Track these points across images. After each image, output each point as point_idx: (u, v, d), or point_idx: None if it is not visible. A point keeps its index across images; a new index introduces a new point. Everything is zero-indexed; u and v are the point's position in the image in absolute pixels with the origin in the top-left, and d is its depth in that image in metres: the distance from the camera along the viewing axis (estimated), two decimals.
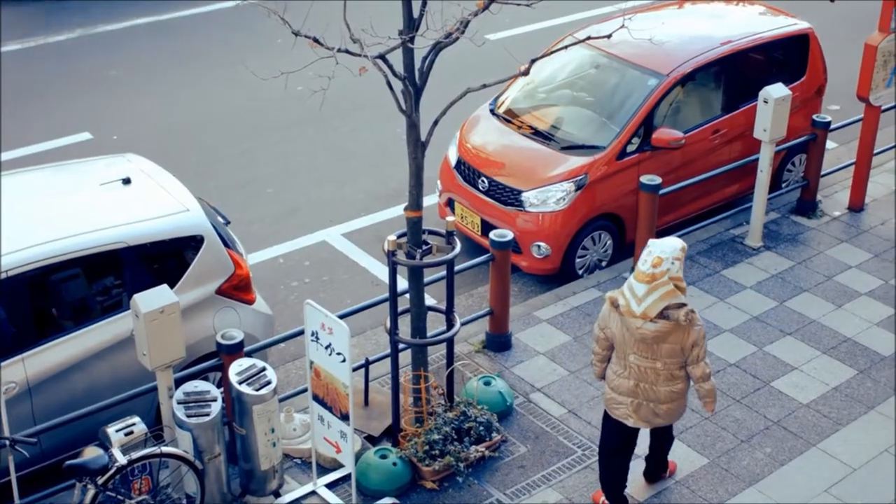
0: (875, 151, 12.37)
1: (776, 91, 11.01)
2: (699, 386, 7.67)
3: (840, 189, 12.65)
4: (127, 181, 8.95)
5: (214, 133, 14.27)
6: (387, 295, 8.47)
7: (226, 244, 9.03)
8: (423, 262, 8.04)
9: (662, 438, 8.32)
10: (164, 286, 7.84)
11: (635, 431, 8.01)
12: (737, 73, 11.99)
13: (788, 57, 12.61)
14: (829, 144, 12.70)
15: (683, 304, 7.45)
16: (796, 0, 16.68)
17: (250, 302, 9.22)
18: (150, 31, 17.47)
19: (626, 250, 11.29)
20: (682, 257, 7.54)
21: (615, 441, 8.02)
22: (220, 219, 9.39)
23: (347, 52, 7.13)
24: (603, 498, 8.28)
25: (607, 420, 7.99)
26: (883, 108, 12.07)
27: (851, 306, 10.64)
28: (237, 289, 9.06)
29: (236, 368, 7.90)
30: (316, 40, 7.14)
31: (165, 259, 8.72)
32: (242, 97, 15.01)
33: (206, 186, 11.44)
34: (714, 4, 13.37)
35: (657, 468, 8.56)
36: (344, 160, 13.68)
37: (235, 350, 8.11)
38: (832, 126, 12.10)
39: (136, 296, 7.62)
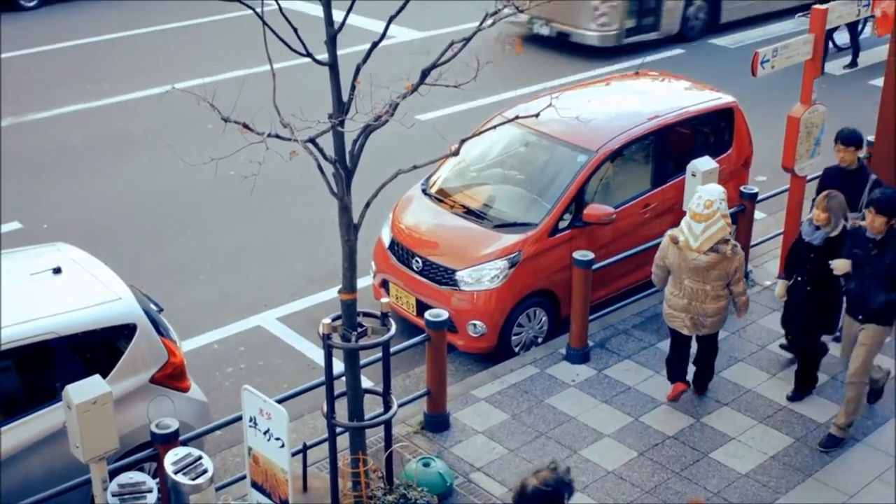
0: (801, 220, 12.53)
1: (703, 164, 11.16)
2: (737, 297, 9.91)
3: (769, 259, 12.81)
4: (57, 270, 8.87)
5: (146, 219, 14.20)
6: (323, 378, 8.42)
7: (159, 332, 8.95)
8: (358, 344, 8.00)
9: (709, 346, 10.29)
10: (97, 376, 7.72)
11: (689, 338, 10.14)
12: (665, 148, 12.16)
13: (714, 130, 12.82)
14: (758, 215, 12.86)
15: (728, 239, 9.61)
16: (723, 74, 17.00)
17: (185, 390, 9.12)
18: (81, 118, 17.43)
19: (561, 326, 11.32)
20: (725, 197, 9.64)
21: (675, 344, 10.24)
22: (152, 306, 9.31)
23: (278, 136, 7.14)
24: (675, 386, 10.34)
25: (670, 329, 10.26)
26: (808, 178, 12.26)
27: (785, 374, 10.71)
28: (171, 377, 8.96)
29: (172, 458, 7.76)
30: (245, 125, 7.14)
31: (97, 349, 8.62)
32: (174, 183, 14.97)
33: (138, 274, 11.35)
34: (640, 81, 13.58)
35: (704, 378, 10.50)
36: (277, 243, 13.65)
37: (170, 439, 7.99)
38: (759, 197, 12.29)
39: (67, 387, 7.50)
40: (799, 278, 10.06)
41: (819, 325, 10.14)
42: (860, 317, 9.45)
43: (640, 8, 21.22)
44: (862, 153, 11.19)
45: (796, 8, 22.37)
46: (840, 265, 9.43)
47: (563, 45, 21.02)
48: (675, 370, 10.36)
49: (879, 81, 13.33)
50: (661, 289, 10.29)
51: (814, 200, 10.08)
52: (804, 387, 10.41)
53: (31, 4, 24.22)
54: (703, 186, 9.99)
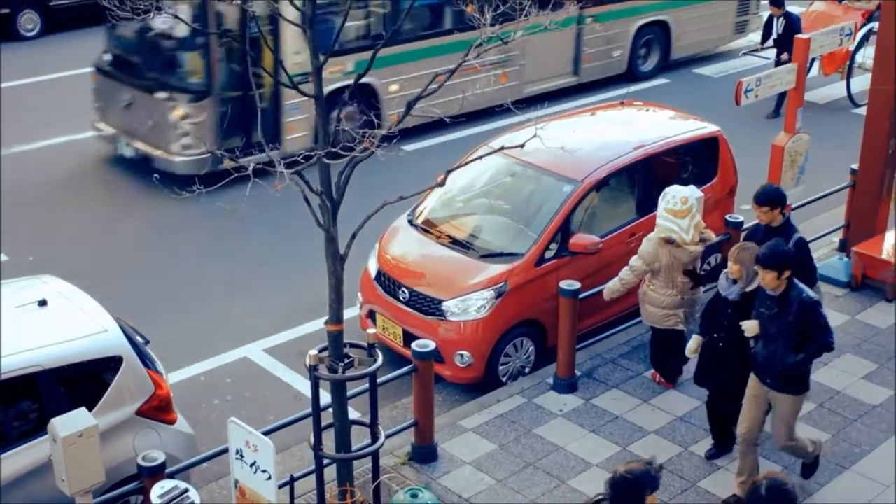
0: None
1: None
2: None
3: None
4: (43, 303, 8.86)
5: (132, 251, 14.17)
6: (310, 410, 8.40)
7: (145, 364, 8.93)
8: (345, 375, 7.99)
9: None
10: (83, 409, 7.70)
11: (682, 332, 10.60)
12: (650, 177, 12.19)
13: (700, 159, 12.86)
14: None
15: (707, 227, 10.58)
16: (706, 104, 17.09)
17: (171, 422, 9.09)
18: (67, 150, 17.40)
19: (548, 356, 11.31)
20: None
21: (672, 342, 10.67)
22: (138, 338, 9.29)
23: (264, 167, 7.15)
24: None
25: (656, 333, 10.81)
26: (793, 206, 12.30)
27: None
28: (157, 409, 8.94)
29: (158, 491, 7.72)
30: (232, 158, 7.16)
31: (83, 381, 8.60)
32: (160, 214, 14.94)
33: (124, 306, 11.30)
34: (625, 110, 13.64)
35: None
36: (263, 275, 13.64)
37: (157, 472, 7.95)
38: (745, 225, 12.29)
39: (53, 420, 7.48)
40: (716, 335, 9.54)
41: (740, 383, 9.30)
42: (768, 380, 8.90)
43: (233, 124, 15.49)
44: (780, 212, 10.17)
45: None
46: (750, 327, 8.94)
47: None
48: (673, 368, 11.03)
49: (863, 110, 13.40)
50: (612, 296, 10.88)
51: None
52: (722, 446, 9.98)
53: (32, 34, 24.30)
54: (670, 188, 10.56)
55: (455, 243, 11.51)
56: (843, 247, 13.55)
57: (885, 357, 11.46)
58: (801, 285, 8.69)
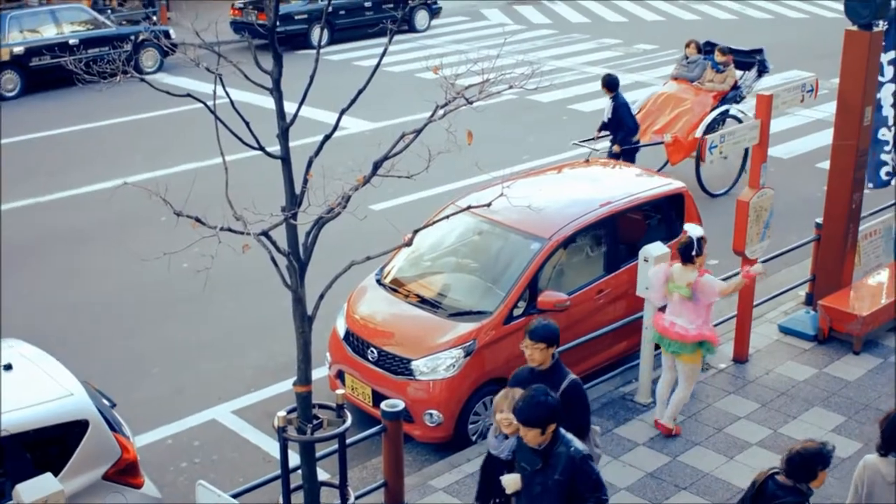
0: (755, 303, 12.67)
1: (655, 249, 11.25)
2: None
3: (724, 342, 12.85)
4: (8, 367, 8.77)
5: (99, 313, 14.11)
6: (279, 472, 8.34)
7: (112, 427, 8.84)
8: (313, 436, 7.94)
9: None
10: (48, 474, 7.61)
11: None
12: (617, 234, 12.25)
13: (666, 216, 12.94)
14: None
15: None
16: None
17: (138, 486, 8.98)
18: (32, 212, 17.36)
19: None
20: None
21: None
22: (105, 402, 9.21)
23: (230, 230, 7.15)
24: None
25: None
26: (759, 260, 12.37)
27: (742, 457, 10.73)
28: (124, 473, 8.83)
29: None
30: (198, 220, 7.15)
31: (49, 446, 8.49)
32: (127, 276, 14.90)
33: (90, 369, 11.23)
34: (592, 168, 13.73)
35: None
36: (231, 336, 13.59)
37: None
38: None
39: (18, 486, 7.38)
40: (494, 501, 8.28)
41: None
42: None
43: None
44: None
45: None
46: (510, 482, 7.64)
47: None
48: None
49: (826, 164, 13.53)
50: None
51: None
52: None
53: (12, 94, 24.43)
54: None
55: (423, 302, 11.51)
56: (810, 300, 13.63)
57: (853, 410, 11.50)
58: (569, 436, 7.43)
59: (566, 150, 19.18)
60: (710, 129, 18.21)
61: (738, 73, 19.80)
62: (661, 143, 18.26)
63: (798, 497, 7.19)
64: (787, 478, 7.23)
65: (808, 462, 7.17)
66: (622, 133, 17.06)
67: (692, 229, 10.90)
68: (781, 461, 7.27)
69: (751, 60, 19.95)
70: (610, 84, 17.18)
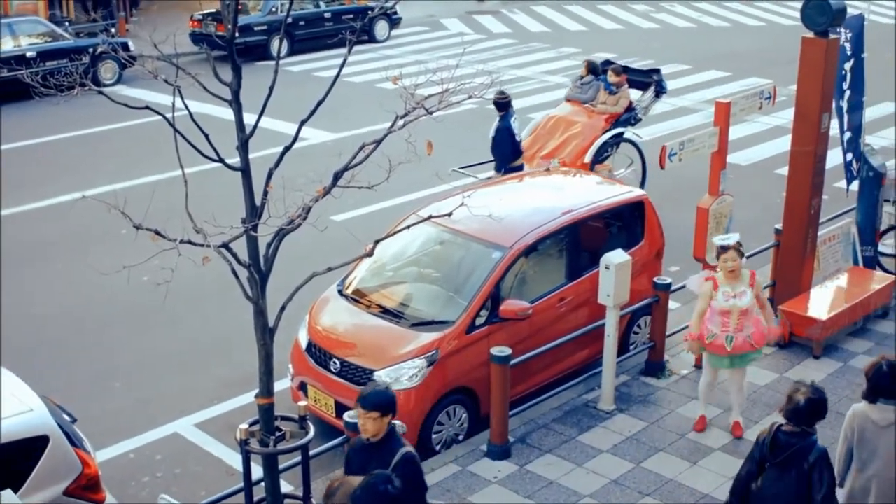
0: None
1: (616, 257, 11.29)
2: None
3: (686, 348, 12.92)
4: None
5: (58, 328, 14.01)
6: (242, 485, 8.31)
7: (72, 443, 8.78)
8: (276, 448, 7.93)
9: None
10: (8, 491, 7.57)
11: None
12: (578, 242, 12.28)
13: (626, 223, 12.99)
14: (672, 305, 13.02)
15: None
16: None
17: (100, 501, 8.92)
18: None
19: (482, 423, 11.29)
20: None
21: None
22: (66, 417, 9.15)
23: (190, 242, 7.12)
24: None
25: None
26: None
27: (705, 462, 10.77)
28: (86, 488, 8.77)
29: None
30: (157, 232, 7.12)
31: (9, 462, 8.41)
32: (87, 290, 14.81)
33: (50, 384, 11.17)
34: (552, 176, 13.76)
35: None
36: (192, 349, 13.52)
37: None
38: (673, 287, 12.44)
39: None
40: None
41: None
42: None
43: None
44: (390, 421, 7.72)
45: None
46: None
47: None
48: None
49: (784, 170, 13.64)
50: None
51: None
52: None
53: None
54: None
55: (385, 312, 11.49)
56: (771, 305, 13.71)
57: None
58: None
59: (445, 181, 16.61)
60: (601, 153, 17.89)
61: (636, 93, 19.19)
62: (548, 168, 16.14)
63: (813, 438, 7.72)
64: (795, 426, 7.70)
65: (817, 408, 7.71)
66: (498, 158, 16.52)
67: (719, 239, 10.96)
68: (785, 413, 7.72)
69: (647, 81, 19.29)
70: (497, 104, 16.54)
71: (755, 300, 10.70)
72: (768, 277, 13.96)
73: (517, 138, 16.80)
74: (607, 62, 19.56)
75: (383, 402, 7.40)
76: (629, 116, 18.68)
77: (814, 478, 7.60)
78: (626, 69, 19.06)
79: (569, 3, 41.25)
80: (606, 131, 18.20)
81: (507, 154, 16.51)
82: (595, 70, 19.25)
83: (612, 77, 18.62)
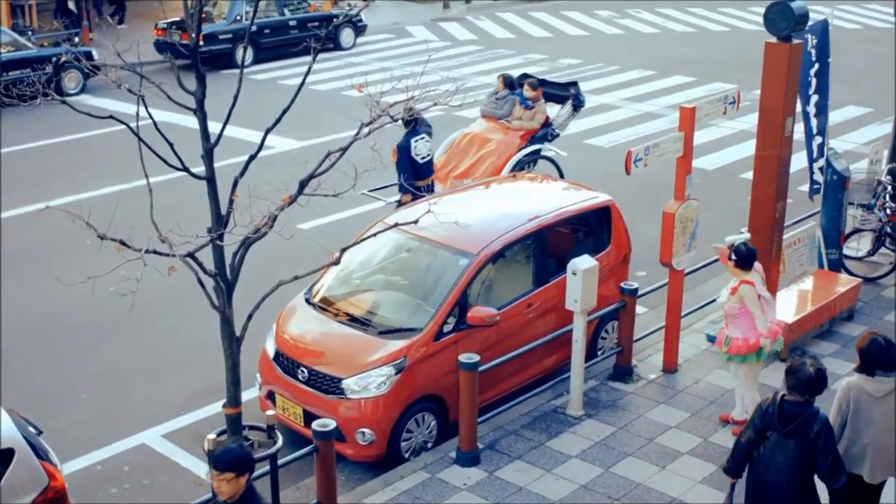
0: (683, 313, 12.78)
1: (583, 262, 11.31)
2: None
3: (653, 352, 12.97)
4: None
5: (24, 339, 13.89)
6: (210, 495, 8.25)
7: (38, 455, 8.72)
8: None
9: None
10: None
11: None
12: (545, 248, 12.29)
13: (593, 228, 13.02)
14: (639, 309, 13.05)
15: None
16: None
17: None
18: None
19: (451, 430, 11.28)
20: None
21: None
22: (31, 429, 9.08)
23: (155, 252, 7.09)
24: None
25: None
26: (686, 271, 12.50)
27: (674, 466, 10.80)
28: (53, 501, 8.72)
29: None
30: (122, 242, 7.09)
31: None
32: (52, 301, 14.70)
33: (15, 396, 11.09)
34: (519, 182, 13.78)
35: None
36: (160, 359, 13.44)
37: None
38: (640, 292, 12.47)
39: None
40: None
41: None
42: None
43: None
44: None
45: None
46: None
47: None
48: None
49: (750, 175, 13.70)
50: None
51: None
52: None
53: None
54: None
55: (353, 320, 11.47)
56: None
57: None
58: None
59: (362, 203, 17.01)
60: (519, 167, 17.41)
61: (555, 107, 18.79)
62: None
63: (815, 407, 8.15)
64: (800, 396, 8.12)
65: (823, 379, 8.15)
66: (400, 179, 15.53)
67: (741, 236, 11.19)
68: (790, 385, 8.15)
69: (564, 94, 18.89)
70: (404, 122, 14.63)
71: (736, 305, 10.87)
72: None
73: (418, 158, 15.65)
74: (524, 76, 19.08)
75: (237, 462, 6.82)
76: (546, 132, 18.27)
77: (818, 446, 8.03)
78: (543, 83, 18.64)
79: (534, 9, 41.35)
80: (522, 148, 17.83)
81: (406, 174, 15.39)
82: (511, 84, 18.79)
83: (527, 91, 18.21)
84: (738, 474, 8.62)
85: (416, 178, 15.48)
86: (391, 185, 16.20)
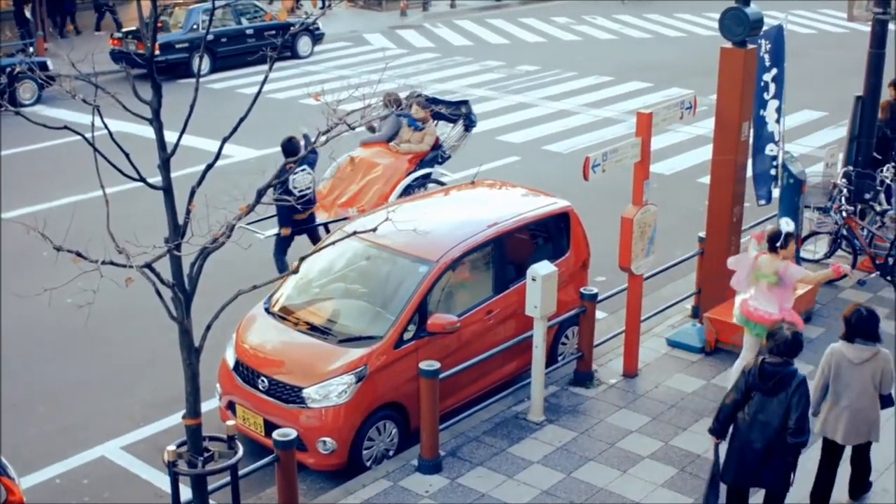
0: (642, 318, 12.83)
1: (542, 268, 11.33)
2: None
3: (613, 357, 13.01)
4: None
5: None
6: None
7: None
8: (204, 469, 7.85)
9: None
10: None
11: None
12: (505, 254, 12.31)
13: (552, 234, 13.04)
14: (599, 315, 13.09)
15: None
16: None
17: None
18: None
19: (412, 437, 11.27)
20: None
21: None
22: None
23: (112, 263, 7.04)
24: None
25: None
26: (645, 276, 12.56)
27: (635, 470, 10.83)
28: None
29: None
30: (78, 254, 7.03)
31: None
32: (8, 314, 14.57)
33: None
34: (477, 189, 13.80)
35: None
36: (118, 371, 13.35)
37: None
38: (599, 297, 12.51)
39: None
40: None
41: None
42: None
43: None
44: None
45: None
46: None
47: None
48: None
49: (707, 179, 13.79)
50: None
51: None
52: None
53: None
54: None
55: (313, 329, 11.44)
56: (696, 313, 13.85)
57: None
58: None
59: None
60: (408, 192, 16.35)
61: (446, 126, 17.86)
62: (347, 218, 14.85)
63: (794, 366, 8.95)
64: (779, 356, 8.90)
65: (800, 341, 8.99)
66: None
67: (784, 224, 11.50)
68: (769, 347, 8.93)
69: (455, 114, 17.75)
70: (284, 149, 13.86)
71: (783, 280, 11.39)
72: (693, 285, 14.11)
73: (296, 191, 14.07)
74: (414, 94, 17.50)
75: None
76: (436, 155, 17.33)
77: (792, 401, 8.78)
78: (433, 101, 17.58)
79: (491, 16, 41.45)
80: (411, 172, 16.84)
81: (282, 207, 14.12)
82: (396, 102, 16.98)
83: (416, 112, 17.05)
84: (722, 435, 9.24)
85: (292, 211, 14.36)
86: (271, 217, 15.06)
